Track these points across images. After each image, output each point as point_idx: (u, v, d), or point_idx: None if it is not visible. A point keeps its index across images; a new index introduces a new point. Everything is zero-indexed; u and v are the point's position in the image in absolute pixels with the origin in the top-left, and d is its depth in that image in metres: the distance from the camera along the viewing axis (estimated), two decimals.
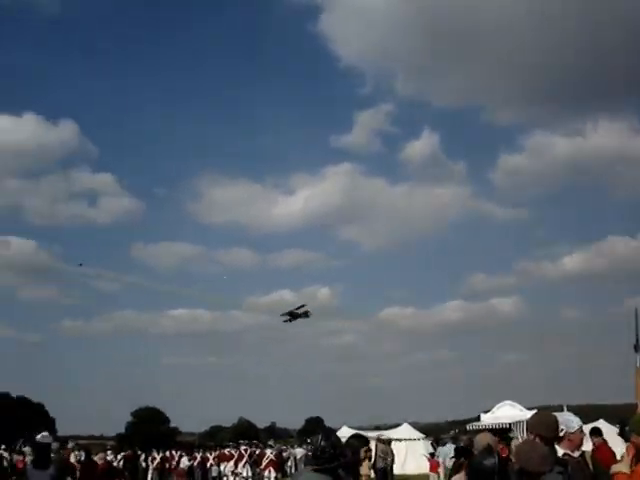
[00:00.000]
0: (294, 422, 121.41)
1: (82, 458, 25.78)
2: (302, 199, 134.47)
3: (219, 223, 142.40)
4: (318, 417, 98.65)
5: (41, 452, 12.17)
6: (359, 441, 7.88)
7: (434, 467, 27.50)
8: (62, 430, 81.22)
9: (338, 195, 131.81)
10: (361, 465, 7.93)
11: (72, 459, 30.68)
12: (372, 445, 29.57)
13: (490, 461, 4.53)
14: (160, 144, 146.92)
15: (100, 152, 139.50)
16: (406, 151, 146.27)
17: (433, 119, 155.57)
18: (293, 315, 46.50)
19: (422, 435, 39.58)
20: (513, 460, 5.07)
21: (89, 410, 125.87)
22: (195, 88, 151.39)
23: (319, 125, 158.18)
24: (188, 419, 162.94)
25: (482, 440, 6.32)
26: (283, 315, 46.96)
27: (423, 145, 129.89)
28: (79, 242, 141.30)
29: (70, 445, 31.77)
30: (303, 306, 46.73)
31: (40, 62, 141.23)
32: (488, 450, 5.02)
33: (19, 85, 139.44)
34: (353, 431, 39.49)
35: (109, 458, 34.67)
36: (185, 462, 35.94)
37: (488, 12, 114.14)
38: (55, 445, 15.43)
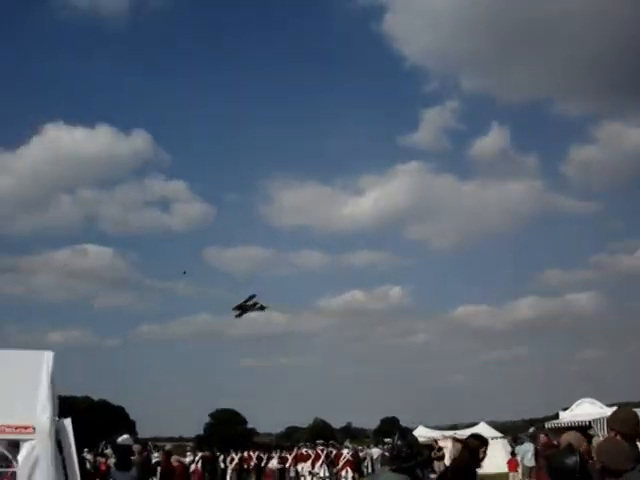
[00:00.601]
0: (370, 422, 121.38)
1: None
2: (371, 199, 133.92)
3: (290, 226, 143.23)
4: (394, 417, 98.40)
5: (122, 454, 12.45)
6: (479, 440, 7.80)
7: (513, 466, 27.07)
8: (142, 432, 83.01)
9: (407, 194, 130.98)
10: (481, 466, 7.85)
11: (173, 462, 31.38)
12: (449, 444, 29.38)
13: (572, 460, 4.43)
14: (230, 149, 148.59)
15: (172, 160, 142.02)
16: (475, 147, 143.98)
17: (501, 114, 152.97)
18: (243, 308, 43.14)
19: (499, 434, 39.06)
20: (595, 458, 4.97)
21: (168, 412, 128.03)
22: (262, 91, 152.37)
23: (385, 124, 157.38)
24: (264, 420, 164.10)
25: (567, 439, 6.23)
26: (234, 310, 43.77)
27: (492, 140, 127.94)
28: (153, 248, 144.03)
29: (168, 447, 32.87)
30: (253, 297, 43.03)
31: (110, 75, 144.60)
32: (569, 449, 4.91)
33: (91, 98, 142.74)
34: (430, 430, 39.33)
35: (188, 460, 35.57)
36: (274, 463, 36.31)
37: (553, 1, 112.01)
38: (137, 447, 15.74)
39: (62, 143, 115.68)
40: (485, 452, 7.66)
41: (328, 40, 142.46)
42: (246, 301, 42.70)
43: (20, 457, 6.69)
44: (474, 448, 7.56)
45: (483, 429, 38.24)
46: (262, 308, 43.14)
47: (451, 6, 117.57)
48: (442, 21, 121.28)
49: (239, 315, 43.65)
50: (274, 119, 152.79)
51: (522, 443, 27.50)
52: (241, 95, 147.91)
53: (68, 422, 7.42)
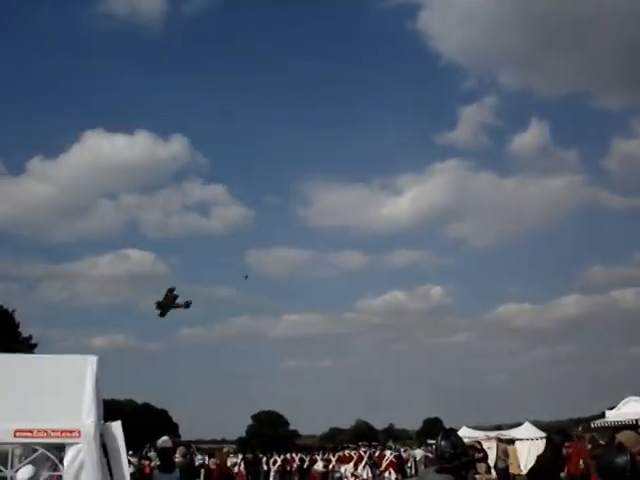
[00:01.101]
0: (412, 423, 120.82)
1: (206, 462, 26.53)
2: (410, 199, 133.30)
3: (328, 227, 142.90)
4: (436, 418, 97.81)
5: (164, 456, 12.51)
6: (562, 436, 7.68)
7: None
8: (185, 435, 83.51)
9: (446, 192, 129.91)
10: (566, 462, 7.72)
11: (228, 463, 32.32)
12: (493, 445, 29.09)
13: (622, 459, 4.34)
14: (267, 151, 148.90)
15: (211, 164, 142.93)
16: (514, 143, 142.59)
17: (540, 109, 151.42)
18: (163, 306, 37.31)
19: (544, 434, 38.53)
20: None
21: (210, 415, 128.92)
22: (297, 93, 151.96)
23: (423, 123, 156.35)
24: (307, 422, 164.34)
25: (621, 438, 6.12)
26: (157, 309, 37.82)
27: (532, 136, 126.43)
28: (194, 252, 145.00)
29: (225, 449, 33.75)
30: (172, 290, 37.43)
31: (148, 81, 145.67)
32: (620, 448, 4.81)
33: (130, 104, 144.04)
34: (473, 431, 38.96)
35: (231, 462, 35.80)
36: (320, 466, 36.36)
37: None
38: (181, 450, 15.84)
39: (102, 150, 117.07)
40: (569, 447, 7.48)
41: (363, 39, 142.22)
42: (165, 297, 37.32)
43: (66, 461, 6.76)
44: (558, 444, 7.40)
45: (528, 429, 37.80)
46: (187, 305, 38.05)
47: (485, 1, 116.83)
48: (477, 17, 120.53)
49: (162, 314, 37.92)
50: (310, 120, 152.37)
51: None
52: (277, 97, 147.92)
53: (117, 425, 7.49)
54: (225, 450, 33.89)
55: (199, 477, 19.46)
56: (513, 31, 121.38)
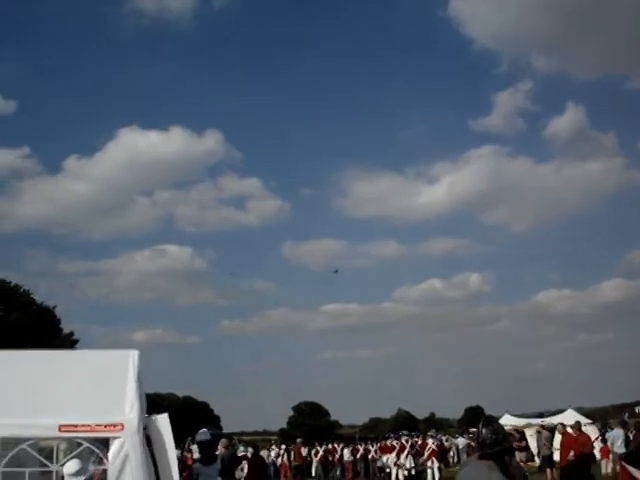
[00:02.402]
0: (453, 412, 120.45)
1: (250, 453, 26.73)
2: (445, 186, 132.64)
3: (365, 217, 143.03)
4: (478, 406, 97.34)
5: (204, 448, 12.58)
6: None
7: (605, 453, 26.34)
8: (227, 427, 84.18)
9: (482, 179, 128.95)
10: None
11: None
12: (535, 432, 28.88)
13: None
14: (301, 143, 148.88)
15: (245, 158, 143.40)
16: (550, 127, 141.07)
17: (575, 92, 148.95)
18: None
19: (588, 420, 38.10)
20: None
21: (252, 406, 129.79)
22: (331, 82, 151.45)
23: (457, 110, 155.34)
24: (347, 412, 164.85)
25: None
26: None
27: (568, 120, 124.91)
28: (231, 246, 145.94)
29: (299, 440, 34.89)
30: None
31: (180, 78, 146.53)
32: None
33: (164, 101, 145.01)
34: (515, 419, 38.76)
35: (274, 453, 36.07)
36: (347, 455, 36.58)
37: None
38: (224, 441, 15.98)
39: (137, 147, 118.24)
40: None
41: (395, 27, 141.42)
42: None
43: (110, 454, 6.84)
44: None
45: (571, 416, 37.45)
46: None
47: None
48: (509, 1, 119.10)
49: None
50: (343, 110, 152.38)
51: (611, 429, 26.77)
52: (310, 88, 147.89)
53: (164, 417, 7.56)
54: (298, 441, 35.10)
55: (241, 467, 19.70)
56: (546, 13, 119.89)
